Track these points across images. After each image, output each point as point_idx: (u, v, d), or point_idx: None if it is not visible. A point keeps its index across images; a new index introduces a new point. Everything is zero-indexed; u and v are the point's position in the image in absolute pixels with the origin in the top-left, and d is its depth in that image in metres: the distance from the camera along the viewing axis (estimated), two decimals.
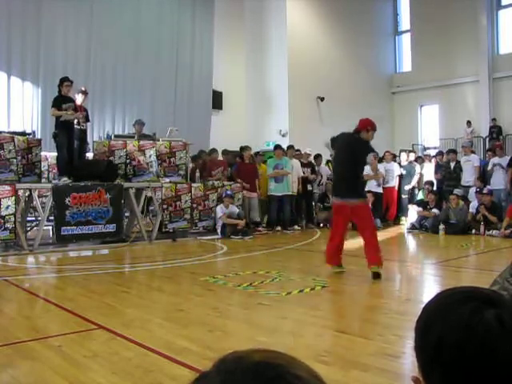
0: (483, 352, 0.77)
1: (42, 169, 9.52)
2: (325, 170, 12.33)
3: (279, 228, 10.96)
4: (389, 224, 11.97)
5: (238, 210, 10.05)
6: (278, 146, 11.34)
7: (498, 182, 10.84)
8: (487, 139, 16.47)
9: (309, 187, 11.64)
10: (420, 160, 12.79)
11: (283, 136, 15.42)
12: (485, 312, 0.79)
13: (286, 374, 0.60)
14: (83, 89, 8.81)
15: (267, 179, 11.18)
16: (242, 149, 11.20)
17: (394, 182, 12.01)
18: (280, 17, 15.98)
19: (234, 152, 11.92)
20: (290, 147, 11.67)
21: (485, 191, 10.36)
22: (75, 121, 8.44)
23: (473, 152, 12.55)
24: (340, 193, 5.72)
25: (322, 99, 16.44)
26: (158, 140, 10.09)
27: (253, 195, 10.89)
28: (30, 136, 9.31)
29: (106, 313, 4.21)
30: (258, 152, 12.62)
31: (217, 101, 15.81)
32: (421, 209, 10.90)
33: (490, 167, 11.13)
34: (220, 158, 11.42)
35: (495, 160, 11.04)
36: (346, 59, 17.25)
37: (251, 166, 11.09)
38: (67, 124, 8.36)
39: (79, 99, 8.60)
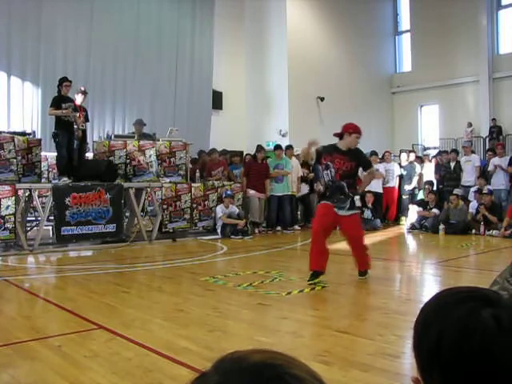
0: (481, 352, 0.77)
1: (42, 169, 9.53)
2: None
3: (279, 228, 10.96)
4: (389, 224, 11.97)
5: (237, 210, 10.05)
6: (278, 146, 11.33)
7: (498, 182, 10.83)
8: (487, 139, 16.48)
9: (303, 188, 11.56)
10: (420, 160, 12.79)
11: (283, 136, 15.41)
12: (482, 312, 0.79)
13: (284, 375, 0.60)
14: (83, 89, 8.80)
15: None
16: (258, 148, 11.07)
17: (394, 182, 12.00)
18: (280, 17, 15.98)
19: (231, 152, 11.93)
20: (289, 147, 11.64)
21: (485, 191, 10.36)
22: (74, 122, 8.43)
23: (473, 152, 12.55)
24: None
25: (322, 99, 16.44)
26: (158, 140, 10.08)
27: (262, 195, 10.78)
28: (30, 136, 9.31)
29: (105, 313, 4.21)
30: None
31: (217, 101, 15.80)
32: (421, 209, 10.90)
33: (490, 167, 11.11)
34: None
35: (495, 160, 11.02)
36: (346, 59, 17.25)
37: (264, 165, 10.91)
38: (67, 124, 8.36)
39: (79, 99, 8.59)
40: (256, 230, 10.49)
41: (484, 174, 11.26)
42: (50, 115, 8.74)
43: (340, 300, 4.90)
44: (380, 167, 11.84)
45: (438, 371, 0.81)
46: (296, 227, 11.16)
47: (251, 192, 10.68)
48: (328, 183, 5.44)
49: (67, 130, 8.36)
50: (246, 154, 11.98)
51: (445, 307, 0.84)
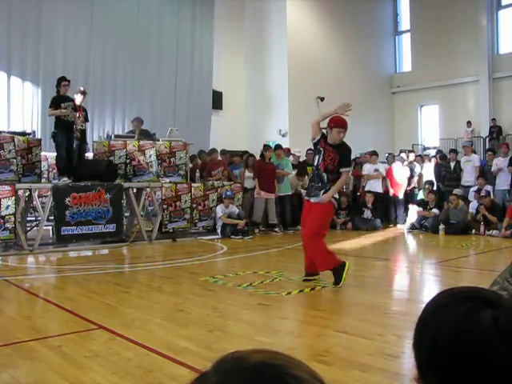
0: (477, 353, 0.76)
1: (42, 169, 9.53)
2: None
3: (278, 229, 10.92)
4: (388, 224, 11.95)
5: (237, 210, 10.05)
6: (278, 147, 11.32)
7: (502, 182, 10.80)
8: (487, 139, 16.48)
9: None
10: (420, 159, 12.77)
11: (283, 136, 15.42)
12: (481, 313, 0.79)
13: (284, 375, 0.60)
14: (82, 89, 8.80)
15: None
16: (266, 147, 10.98)
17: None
18: (280, 17, 15.98)
19: (232, 152, 11.92)
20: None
21: (483, 193, 10.32)
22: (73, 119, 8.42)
23: (474, 152, 12.53)
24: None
25: (322, 99, 16.41)
26: (158, 140, 10.09)
27: (271, 196, 10.62)
28: (30, 136, 9.30)
29: (105, 313, 4.21)
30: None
31: (217, 101, 15.80)
32: (421, 209, 10.90)
33: (494, 168, 10.99)
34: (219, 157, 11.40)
35: (499, 161, 10.95)
36: (346, 59, 17.25)
37: (271, 165, 10.80)
38: (66, 124, 8.36)
39: (78, 99, 8.60)
40: (256, 230, 10.48)
41: (484, 174, 11.25)
42: (49, 116, 8.74)
43: (340, 300, 4.90)
44: (380, 167, 11.82)
45: (433, 371, 0.81)
46: (299, 227, 11.08)
47: (262, 193, 10.58)
48: (313, 169, 5.32)
49: (66, 129, 8.36)
50: (250, 155, 11.57)
51: (443, 307, 0.84)
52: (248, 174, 10.90)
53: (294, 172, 11.38)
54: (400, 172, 11.75)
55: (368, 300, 4.67)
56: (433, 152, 15.21)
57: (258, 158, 11.18)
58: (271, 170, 10.70)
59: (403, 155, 12.64)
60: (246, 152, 12.16)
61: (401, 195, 11.71)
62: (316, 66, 16.20)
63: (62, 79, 8.54)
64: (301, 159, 12.16)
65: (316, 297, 4.82)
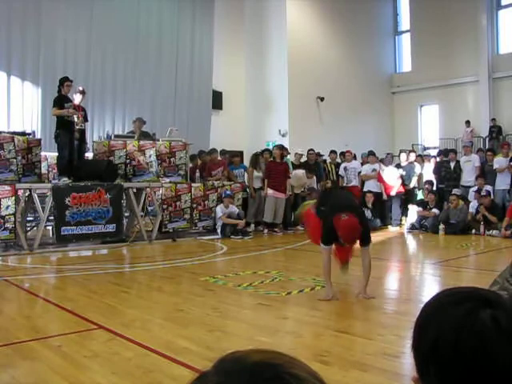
0: (478, 353, 0.77)
1: (42, 169, 9.52)
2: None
3: (280, 228, 10.92)
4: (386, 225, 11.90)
5: (237, 210, 10.05)
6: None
7: (503, 182, 10.78)
8: (487, 139, 16.48)
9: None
10: (420, 159, 12.74)
11: (283, 136, 15.41)
12: (481, 312, 0.79)
13: (284, 374, 0.60)
14: (81, 88, 8.80)
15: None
16: (274, 147, 10.94)
17: (356, 181, 11.80)
18: (280, 17, 15.97)
19: (231, 152, 11.92)
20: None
21: (483, 193, 10.33)
22: (74, 119, 8.42)
23: (480, 150, 12.50)
24: None
25: (322, 99, 16.43)
26: (158, 140, 10.09)
27: (280, 196, 10.58)
28: (30, 136, 9.30)
29: (105, 313, 4.21)
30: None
31: (217, 101, 15.79)
32: (421, 209, 10.89)
33: (496, 166, 10.98)
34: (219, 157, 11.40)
35: (501, 160, 10.94)
36: (345, 59, 17.26)
37: (283, 165, 10.78)
38: (68, 124, 8.36)
39: (77, 99, 8.59)
40: (251, 228, 10.44)
41: (484, 174, 11.24)
42: (54, 115, 8.72)
43: (340, 300, 4.89)
44: (342, 166, 11.88)
45: (434, 371, 0.81)
46: (299, 227, 11.08)
47: (270, 192, 10.54)
48: None
49: (69, 129, 8.37)
50: (257, 154, 11.32)
51: (444, 307, 0.84)
52: (256, 173, 10.85)
53: (297, 171, 11.39)
54: (388, 174, 11.64)
55: (368, 300, 4.67)
56: (433, 152, 15.20)
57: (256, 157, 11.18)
58: (282, 171, 10.68)
59: (403, 156, 12.54)
60: (242, 152, 12.12)
61: (393, 193, 11.59)
62: (316, 66, 16.20)
63: (65, 79, 8.54)
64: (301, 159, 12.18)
65: (316, 297, 4.82)
